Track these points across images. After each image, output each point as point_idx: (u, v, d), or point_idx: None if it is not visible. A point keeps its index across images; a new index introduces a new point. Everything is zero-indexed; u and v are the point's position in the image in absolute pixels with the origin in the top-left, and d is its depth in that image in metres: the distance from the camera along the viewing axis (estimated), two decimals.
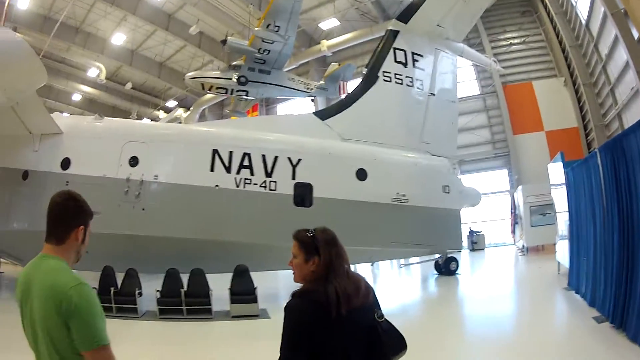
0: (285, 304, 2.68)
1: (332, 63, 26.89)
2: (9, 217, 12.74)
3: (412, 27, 15.71)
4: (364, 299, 2.79)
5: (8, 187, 12.81)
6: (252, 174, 12.61)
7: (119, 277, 11.69)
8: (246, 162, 12.65)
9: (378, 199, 13.52)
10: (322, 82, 26.12)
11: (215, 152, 12.61)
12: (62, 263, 2.57)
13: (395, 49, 15.45)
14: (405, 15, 15.91)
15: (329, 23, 29.04)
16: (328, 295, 2.62)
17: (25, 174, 12.67)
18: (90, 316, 2.38)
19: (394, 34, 15.71)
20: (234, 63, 24.47)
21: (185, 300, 11.06)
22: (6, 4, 23.46)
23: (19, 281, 2.59)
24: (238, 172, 12.56)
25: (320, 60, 31.35)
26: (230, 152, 12.64)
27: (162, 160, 12.72)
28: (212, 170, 12.51)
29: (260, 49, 22.26)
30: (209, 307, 11.02)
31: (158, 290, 11.34)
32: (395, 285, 16.91)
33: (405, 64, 15.55)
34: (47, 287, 2.41)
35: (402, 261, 20.15)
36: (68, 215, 2.70)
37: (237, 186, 12.47)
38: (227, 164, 12.58)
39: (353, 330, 2.70)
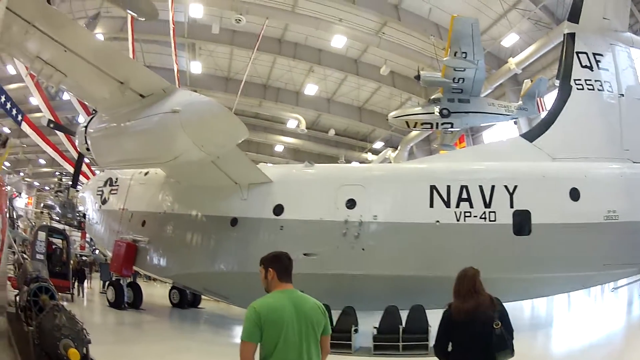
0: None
1: (525, 80, 25.52)
2: (218, 260, 14.05)
3: (584, 25, 14.51)
4: (482, 314, 4.48)
5: (217, 233, 14.12)
6: (471, 206, 12.35)
7: (335, 315, 11.88)
8: (464, 195, 12.45)
9: (591, 218, 12.38)
10: (520, 102, 24.73)
11: (433, 187, 12.58)
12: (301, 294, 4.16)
13: (577, 53, 14.35)
14: (574, 15, 14.72)
15: (510, 39, 28.00)
16: (453, 309, 4.68)
17: (234, 221, 13.82)
18: None
19: (571, 37, 14.54)
20: (432, 97, 24.49)
21: (402, 337, 11.01)
22: (176, 70, 26.17)
23: (283, 304, 3.93)
24: (457, 206, 12.38)
25: (513, 80, 29.76)
26: (448, 187, 12.54)
27: (380, 200, 12.96)
28: (431, 206, 12.47)
29: (454, 78, 22.00)
30: (426, 343, 10.81)
31: (375, 327, 11.41)
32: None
33: (590, 68, 14.32)
34: (315, 306, 4.09)
35: (612, 284, 17.67)
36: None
37: (458, 220, 12.28)
38: (446, 199, 12.48)
39: (471, 331, 4.47)
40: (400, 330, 11.12)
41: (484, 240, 12.20)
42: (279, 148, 43.30)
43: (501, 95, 30.23)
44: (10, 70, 30.56)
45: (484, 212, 12.26)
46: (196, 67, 32.50)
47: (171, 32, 24.75)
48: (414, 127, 25.48)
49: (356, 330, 11.50)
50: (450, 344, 4.64)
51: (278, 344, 3.76)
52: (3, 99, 22.73)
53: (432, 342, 10.24)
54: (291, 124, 36.78)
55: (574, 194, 12.43)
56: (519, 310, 17.87)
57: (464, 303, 4.56)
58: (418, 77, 22.95)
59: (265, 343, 3.79)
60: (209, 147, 11.22)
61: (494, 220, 12.19)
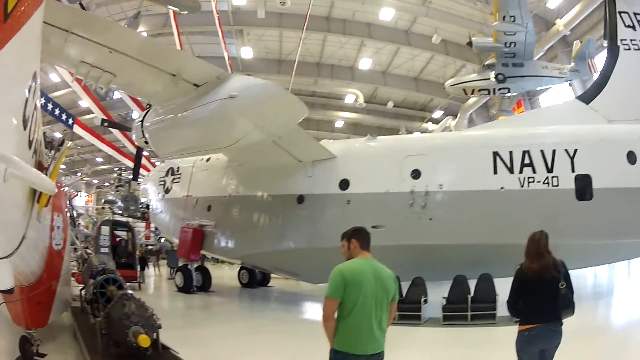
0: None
1: (575, 42, 24.87)
2: (286, 238, 14.22)
3: None
4: (549, 274, 4.90)
5: (284, 211, 14.28)
6: (534, 171, 12.18)
7: (404, 286, 11.93)
8: (527, 160, 12.27)
9: None
10: (572, 64, 24.14)
11: (495, 154, 12.44)
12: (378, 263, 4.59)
13: (619, 12, 13.85)
14: None
15: (554, 1, 27.08)
16: (523, 269, 5.07)
17: (301, 198, 13.96)
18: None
19: None
20: (486, 62, 24.40)
21: (471, 306, 10.92)
22: (226, 58, 26.36)
23: (364, 270, 4.34)
24: (521, 172, 12.23)
25: (563, 42, 28.89)
26: (511, 152, 12.38)
27: (445, 169, 12.90)
28: (495, 172, 12.34)
29: (505, 42, 21.83)
30: (494, 312, 10.71)
31: (444, 297, 11.37)
32: None
33: (634, 27, 13.88)
34: (389, 275, 4.50)
35: None
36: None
37: (522, 186, 12.14)
38: (509, 165, 12.33)
39: (539, 289, 4.89)
40: (469, 299, 11.04)
41: (547, 206, 11.98)
42: (339, 124, 43.17)
43: (553, 58, 29.47)
44: (54, 78, 31.29)
45: (547, 177, 12.07)
46: (247, 53, 32.64)
47: (216, 21, 24.98)
48: (472, 94, 25.53)
49: (425, 301, 11.49)
50: (520, 301, 5.04)
51: (357, 303, 4.16)
52: (50, 106, 23.24)
53: (499, 311, 10.32)
54: (349, 99, 36.79)
55: (631, 157, 12.13)
56: (581, 279, 17.36)
57: (532, 263, 4.97)
58: (470, 44, 22.95)
59: (345, 301, 4.17)
60: (270, 127, 11.33)
61: (557, 185, 11.99)
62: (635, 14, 13.94)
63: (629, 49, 13.66)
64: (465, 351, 8.74)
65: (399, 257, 12.28)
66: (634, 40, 13.71)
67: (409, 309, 11.34)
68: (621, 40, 13.69)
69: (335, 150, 13.95)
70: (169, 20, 26.26)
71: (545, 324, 4.82)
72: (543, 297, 4.85)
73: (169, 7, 21.01)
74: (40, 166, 5.70)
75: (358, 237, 4.60)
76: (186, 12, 21.10)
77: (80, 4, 15.48)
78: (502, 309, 10.21)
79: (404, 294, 11.82)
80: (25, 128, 3.98)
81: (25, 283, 6.80)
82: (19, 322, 7.66)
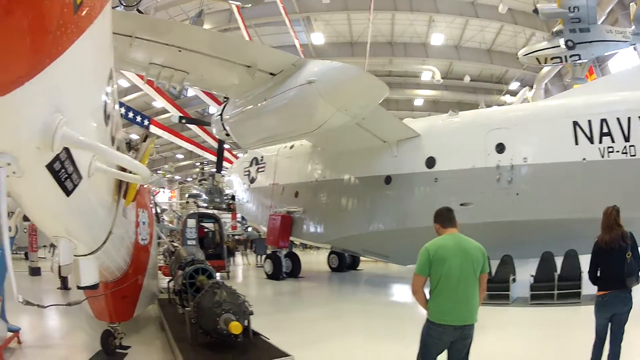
0: None
1: (631, 3, 23.54)
2: (375, 220, 14.21)
3: None
4: (617, 244, 5.46)
5: (372, 193, 14.29)
6: (612, 140, 11.62)
7: (493, 265, 11.71)
8: (605, 129, 11.73)
9: None
10: (632, 27, 23.17)
11: (575, 123, 11.97)
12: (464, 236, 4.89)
13: None
14: None
15: None
16: (599, 240, 5.68)
17: (388, 179, 13.95)
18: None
19: None
20: (554, 29, 23.83)
21: (557, 285, 10.63)
22: (298, 45, 26.36)
23: (450, 245, 4.67)
24: (600, 142, 11.71)
25: (620, 5, 27.15)
26: (589, 121, 11.87)
27: (528, 142, 12.52)
28: (576, 143, 11.89)
29: (569, 7, 21.31)
30: (579, 290, 10.41)
31: (532, 275, 11.11)
32: None
33: None
34: (476, 247, 4.78)
35: None
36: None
37: (602, 156, 11.63)
38: (589, 135, 11.84)
39: (610, 258, 5.50)
40: (556, 278, 10.75)
41: (628, 178, 11.42)
42: (418, 102, 42.68)
43: (615, 22, 28.20)
44: (123, 83, 32.35)
45: (625, 147, 11.50)
46: (317, 39, 32.69)
47: (281, 10, 25.07)
48: (545, 62, 25.04)
49: (514, 280, 11.25)
50: (598, 270, 5.66)
51: (442, 276, 4.53)
52: (124, 110, 23.90)
53: (584, 289, 10.10)
54: (426, 76, 36.29)
55: None
56: None
57: (604, 235, 5.61)
58: (536, 11, 22.41)
59: (433, 276, 4.59)
60: (352, 109, 11.21)
61: (635, 155, 11.40)
62: None
63: None
64: (550, 335, 8.41)
65: (487, 235, 11.93)
66: None
67: (497, 288, 11.16)
68: None
69: (418, 128, 13.81)
70: (233, 16, 26.44)
71: (615, 290, 5.45)
72: (612, 266, 5.48)
73: (231, 2, 21.30)
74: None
75: (438, 219, 5.00)
76: (249, 5, 21.32)
77: (138, 10, 15.93)
78: (586, 287, 10.01)
79: (492, 273, 11.60)
80: (107, 124, 4.07)
81: (111, 278, 6.97)
82: (102, 317, 7.76)
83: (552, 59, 24.19)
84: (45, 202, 3.59)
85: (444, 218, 4.97)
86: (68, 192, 3.40)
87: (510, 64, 34.87)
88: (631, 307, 5.44)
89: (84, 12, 2.50)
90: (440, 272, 4.54)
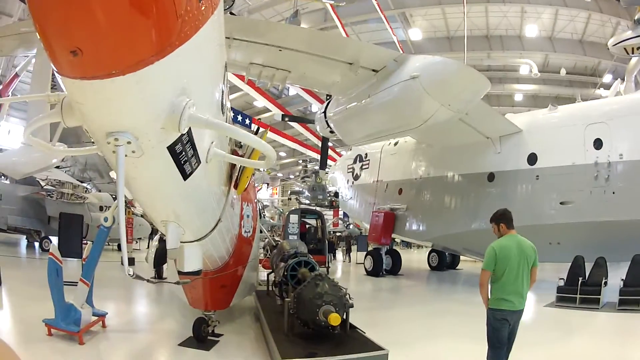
0: None
1: None
2: (477, 217, 13.99)
3: None
4: None
5: (475, 190, 14.22)
6: None
7: (588, 267, 11.54)
8: None
9: None
10: None
11: None
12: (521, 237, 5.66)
13: None
14: None
15: None
16: None
17: (491, 176, 13.83)
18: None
19: None
20: (636, 17, 22.46)
21: None
22: (396, 41, 26.20)
23: (511, 245, 5.50)
24: None
25: None
26: None
27: (625, 137, 12.05)
28: None
29: None
30: None
31: (622, 279, 10.74)
32: None
33: None
34: (530, 246, 5.58)
35: None
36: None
37: None
38: None
39: None
40: None
41: None
42: (518, 97, 41.70)
43: None
44: None
45: None
46: (415, 34, 32.67)
47: (376, 7, 24.97)
48: (632, 52, 23.44)
49: (606, 283, 10.84)
50: None
51: (505, 271, 5.44)
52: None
53: None
54: (524, 70, 35.29)
55: None
56: None
57: None
58: None
59: (497, 270, 5.48)
60: (456, 104, 11.11)
61: None
62: None
63: None
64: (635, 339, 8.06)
65: (585, 235, 11.98)
66: None
67: (589, 292, 10.86)
68: None
69: (520, 123, 13.60)
70: (329, 14, 26.69)
71: None
72: None
73: (325, 1, 21.47)
74: (234, 153, 5.79)
75: (505, 220, 5.72)
76: (344, 4, 21.46)
77: (231, 13, 16.35)
78: None
79: (586, 276, 11.37)
80: (223, 114, 4.09)
81: (212, 267, 7.03)
82: (197, 305, 7.79)
83: (638, 48, 22.77)
84: (161, 184, 3.67)
85: (509, 220, 5.72)
86: (186, 176, 3.49)
87: (602, 55, 33.48)
88: None
89: (207, 4, 2.59)
90: (503, 268, 5.45)
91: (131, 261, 11.18)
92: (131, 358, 6.69)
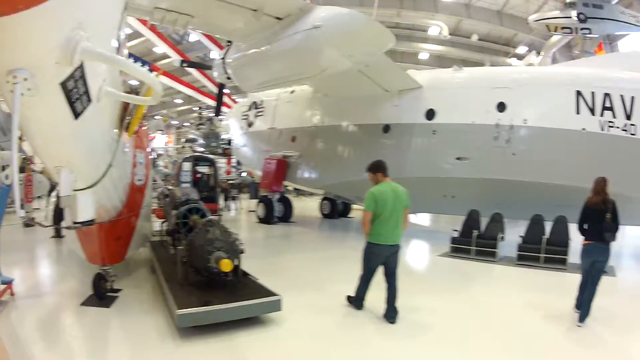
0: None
1: None
2: None
3: None
4: (600, 206, 6.73)
5: (369, 141, 14.37)
6: (614, 116, 11.73)
7: (483, 222, 12.11)
8: (607, 104, 11.81)
9: None
10: None
11: (578, 93, 12.03)
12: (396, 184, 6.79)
13: None
14: None
15: None
16: (587, 200, 6.99)
17: (387, 127, 14.05)
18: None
19: None
20: (568, 0, 24.00)
21: (545, 249, 10.87)
22: None
23: (387, 190, 6.64)
24: (602, 115, 11.81)
25: None
26: (593, 93, 11.94)
27: (530, 104, 12.58)
28: (577, 112, 11.97)
29: None
30: (565, 257, 10.62)
31: (521, 236, 11.35)
32: None
33: None
34: (404, 191, 6.71)
35: None
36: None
37: (602, 129, 11.74)
38: (591, 106, 11.91)
39: (594, 216, 6.78)
40: (544, 241, 10.95)
41: (625, 155, 11.56)
42: (423, 56, 42.17)
43: (629, 5, 28.28)
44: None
45: (625, 124, 11.62)
46: None
47: None
48: (555, 31, 25.41)
49: (502, 238, 11.48)
50: (585, 224, 6.94)
51: (384, 211, 6.56)
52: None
53: (570, 257, 10.36)
54: (433, 31, 35.44)
55: None
56: None
57: (592, 198, 6.96)
58: None
59: (376, 211, 6.58)
60: (357, 56, 11.33)
61: (635, 134, 11.53)
62: None
63: None
64: (534, 296, 8.49)
65: (480, 191, 12.48)
66: None
67: (485, 245, 11.48)
68: None
69: (421, 80, 13.80)
70: None
71: (595, 242, 6.79)
72: (594, 223, 6.79)
73: None
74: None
75: (381, 169, 6.86)
76: None
77: None
78: (573, 256, 10.12)
79: (482, 229, 11.97)
80: (118, 52, 4.15)
81: (106, 217, 6.84)
82: (94, 261, 7.66)
83: (562, 28, 24.68)
84: (53, 123, 3.68)
85: (384, 169, 6.87)
86: (76, 114, 3.51)
87: (520, 28, 34.79)
88: (608, 257, 6.86)
89: None
90: (382, 209, 6.56)
91: (32, 221, 10.71)
92: (40, 326, 6.31)
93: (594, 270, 6.81)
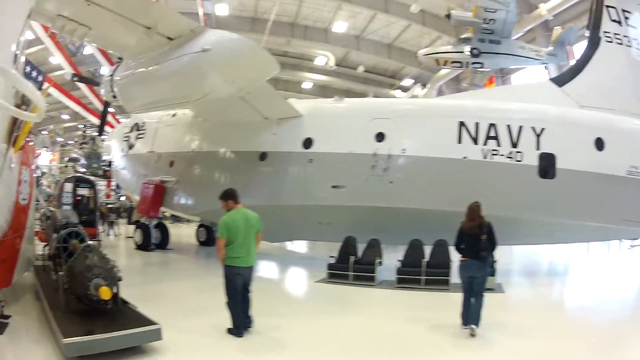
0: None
1: (555, 27, 25.20)
2: (248, 194, 14.13)
3: None
4: (476, 231, 7.41)
5: (246, 168, 14.19)
6: (498, 144, 12.34)
7: (360, 248, 12.26)
8: (492, 133, 12.40)
9: (613, 171, 12.34)
10: (550, 47, 24.50)
11: (461, 124, 12.52)
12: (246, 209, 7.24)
13: (607, 6, 14.05)
14: None
15: None
16: (463, 224, 7.70)
17: (263, 155, 13.94)
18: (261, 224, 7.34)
19: None
20: (463, 36, 24.67)
21: (425, 271, 11.16)
22: (201, 13, 26.01)
23: (238, 217, 7.04)
24: (485, 144, 12.37)
25: (544, 26, 29.13)
26: (477, 124, 12.48)
27: (409, 135, 12.93)
28: (459, 142, 12.46)
29: (485, 18, 21.88)
30: (447, 278, 11.01)
31: (400, 260, 11.55)
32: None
33: (619, 23, 14.07)
34: (254, 216, 7.23)
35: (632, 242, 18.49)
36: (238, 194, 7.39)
37: (485, 157, 12.29)
38: (474, 136, 12.45)
39: (470, 238, 7.47)
40: (424, 264, 11.28)
41: (510, 181, 12.23)
42: (307, 85, 42.78)
43: (532, 40, 29.76)
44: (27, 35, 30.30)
45: (511, 152, 12.25)
46: (222, 9, 31.82)
47: None
48: (444, 64, 25.81)
49: (380, 263, 11.66)
50: (461, 244, 7.56)
51: (237, 236, 6.95)
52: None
53: (453, 278, 10.66)
54: (320, 61, 36.21)
55: (599, 144, 12.31)
56: (538, 255, 17.99)
57: (467, 223, 7.61)
58: (449, 16, 22.90)
59: (230, 237, 6.94)
60: (240, 82, 11.36)
61: (520, 161, 12.19)
62: (623, 10, 14.15)
63: (611, 42, 13.82)
64: (417, 313, 8.86)
65: (357, 218, 12.59)
66: (618, 34, 13.86)
67: (363, 270, 11.57)
68: (604, 32, 13.85)
69: (302, 109, 13.90)
70: None
71: (471, 259, 7.45)
72: (470, 243, 7.45)
73: None
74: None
75: (231, 197, 7.24)
76: None
77: None
78: (455, 276, 10.19)
79: (359, 255, 12.07)
80: (14, 64, 3.96)
81: None
82: None
83: (452, 62, 25.07)
84: None
85: (235, 197, 7.26)
86: None
87: (408, 61, 35.88)
88: (486, 273, 7.58)
89: None
90: (234, 235, 6.93)
91: None
92: None
93: (475, 286, 7.42)
